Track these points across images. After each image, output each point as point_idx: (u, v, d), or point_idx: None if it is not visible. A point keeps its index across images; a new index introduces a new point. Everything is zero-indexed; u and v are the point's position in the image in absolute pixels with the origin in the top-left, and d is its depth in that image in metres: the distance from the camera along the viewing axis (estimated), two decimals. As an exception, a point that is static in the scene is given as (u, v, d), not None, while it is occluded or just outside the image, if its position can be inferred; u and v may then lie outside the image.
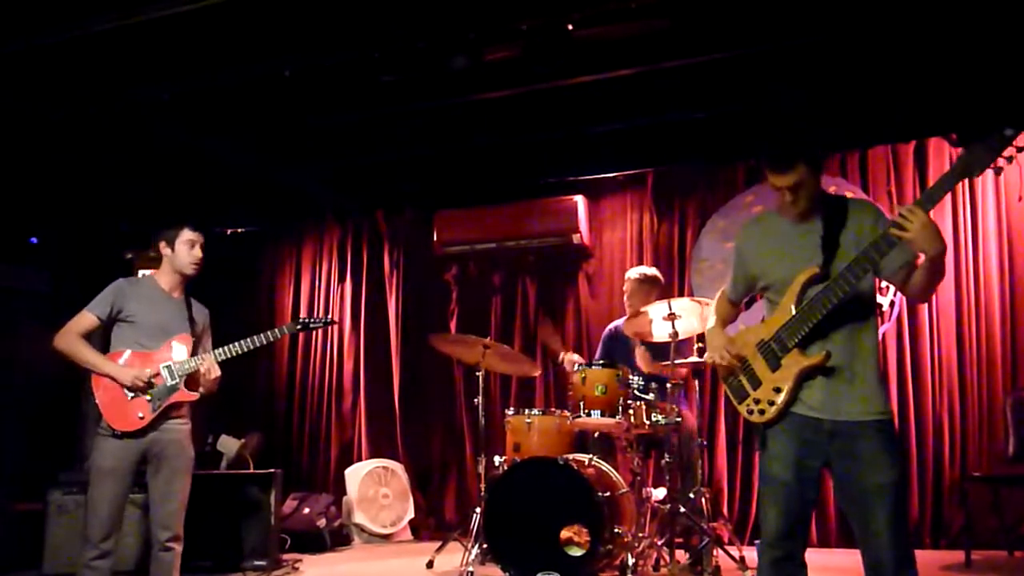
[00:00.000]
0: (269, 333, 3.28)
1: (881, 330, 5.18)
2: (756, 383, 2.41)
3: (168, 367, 3.17)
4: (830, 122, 5.01)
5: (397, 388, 6.33)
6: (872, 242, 2.25)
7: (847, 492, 2.30)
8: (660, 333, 4.31)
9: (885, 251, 2.23)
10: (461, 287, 6.36)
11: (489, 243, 6.07)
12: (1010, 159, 2.16)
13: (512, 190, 6.05)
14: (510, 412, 4.36)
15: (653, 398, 4.12)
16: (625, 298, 4.72)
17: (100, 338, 3.25)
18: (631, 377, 4.14)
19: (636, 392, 4.12)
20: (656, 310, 4.28)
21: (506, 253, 6.12)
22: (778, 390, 2.36)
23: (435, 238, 6.17)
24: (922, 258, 2.24)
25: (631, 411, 4.04)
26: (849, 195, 2.48)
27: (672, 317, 4.08)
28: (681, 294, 5.39)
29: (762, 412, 2.39)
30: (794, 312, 2.34)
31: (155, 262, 3.42)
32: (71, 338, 3.15)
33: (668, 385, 4.18)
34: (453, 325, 6.28)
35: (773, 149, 2.32)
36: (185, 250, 3.27)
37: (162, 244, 3.30)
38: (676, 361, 4.06)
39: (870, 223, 2.33)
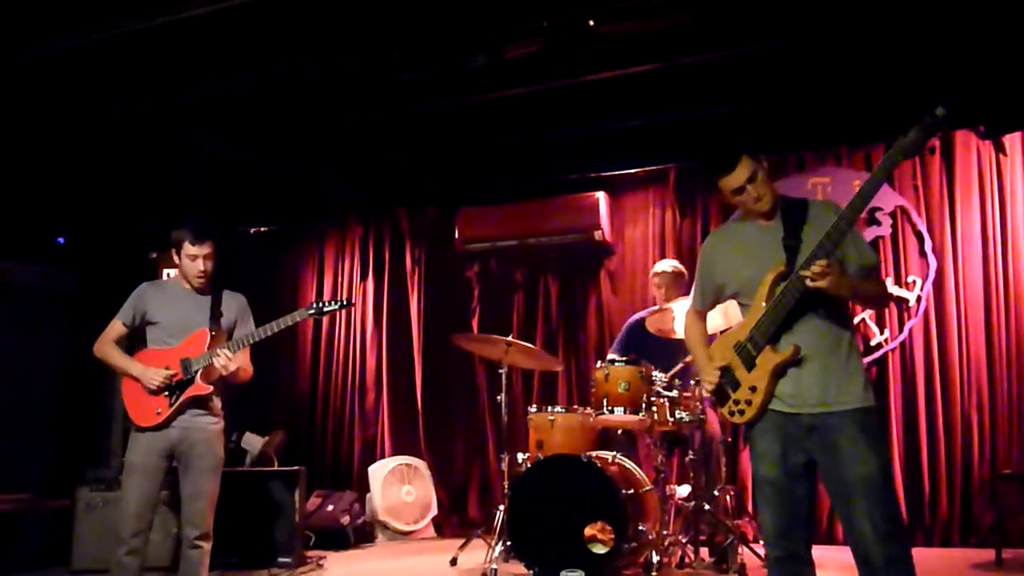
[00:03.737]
0: (284, 319, 3.26)
1: (908, 325, 5.12)
2: (736, 385, 2.41)
3: (185, 362, 3.21)
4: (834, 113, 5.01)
5: (420, 385, 6.34)
6: (825, 234, 2.25)
7: (829, 487, 2.28)
8: (682, 329, 4.28)
9: (838, 242, 2.25)
10: (483, 284, 6.37)
11: (511, 240, 6.07)
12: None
13: (533, 187, 6.05)
14: (533, 409, 4.36)
15: (676, 395, 4.11)
16: (660, 292, 4.69)
17: (138, 340, 3.34)
18: (654, 374, 4.14)
19: (659, 389, 4.11)
20: (679, 307, 4.28)
21: (528, 250, 6.11)
22: (754, 389, 2.36)
23: (457, 235, 6.18)
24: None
25: (654, 408, 4.03)
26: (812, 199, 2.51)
27: None
28: None
29: (742, 413, 2.39)
30: (764, 311, 2.35)
31: (180, 262, 3.46)
32: (104, 345, 3.28)
33: (692, 382, 4.15)
34: (475, 322, 6.29)
35: (709, 152, 2.37)
36: (187, 264, 3.29)
37: (173, 251, 3.33)
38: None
39: (832, 219, 2.31)
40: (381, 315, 6.60)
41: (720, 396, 2.46)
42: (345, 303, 3.36)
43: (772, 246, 2.40)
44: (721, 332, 4.10)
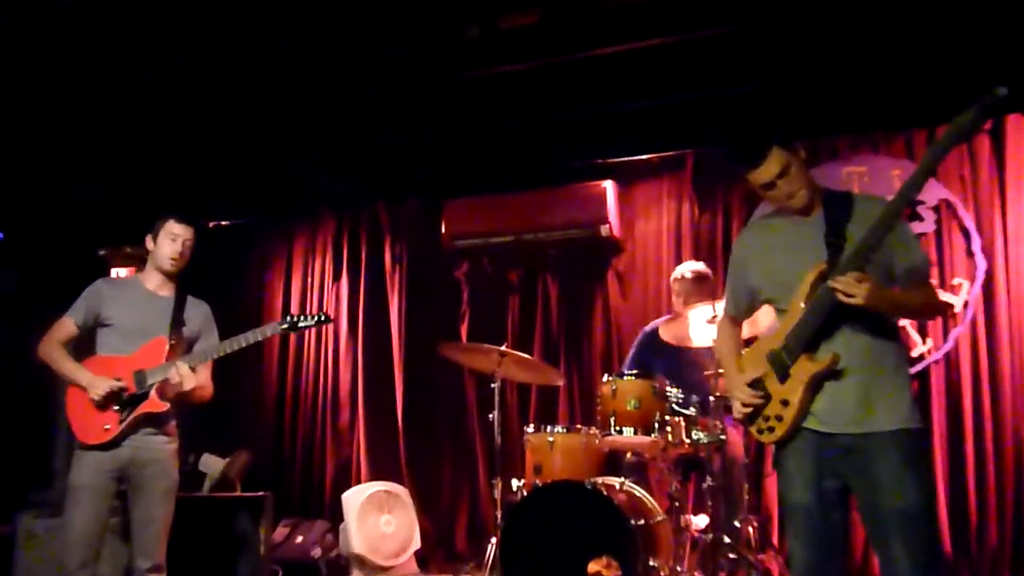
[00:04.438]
0: (252, 334, 3.29)
1: (953, 334, 5.13)
2: (766, 398, 2.45)
3: (139, 374, 3.23)
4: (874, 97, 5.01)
5: (400, 400, 6.37)
6: (863, 237, 2.30)
7: (864, 518, 2.30)
8: (701, 339, 4.32)
9: (876, 244, 2.29)
10: (473, 286, 6.40)
11: (505, 236, 6.09)
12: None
13: (531, 176, 6.08)
14: (530, 429, 4.38)
15: (694, 413, 4.13)
16: (678, 300, 4.71)
17: (84, 349, 3.35)
18: (668, 389, 4.16)
19: (674, 406, 4.13)
20: (697, 313, 4.29)
21: (524, 247, 6.14)
22: (786, 403, 2.38)
23: (443, 231, 6.20)
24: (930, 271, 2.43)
25: (668, 428, 4.04)
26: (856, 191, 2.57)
27: (716, 321, 4.04)
28: None
29: (771, 430, 2.41)
30: (803, 313, 2.39)
31: (130, 260, 3.51)
32: (50, 347, 3.27)
33: (711, 398, 4.16)
34: (464, 329, 6.32)
35: (737, 143, 2.42)
36: (166, 243, 3.34)
37: (149, 237, 3.37)
38: (720, 371, 4.04)
39: (878, 215, 2.35)
40: (357, 321, 6.62)
41: (749, 415, 2.49)
42: (323, 318, 3.38)
43: (812, 243, 2.43)
44: (745, 340, 4.18)
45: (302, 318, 3.37)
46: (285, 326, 3.34)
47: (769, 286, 2.54)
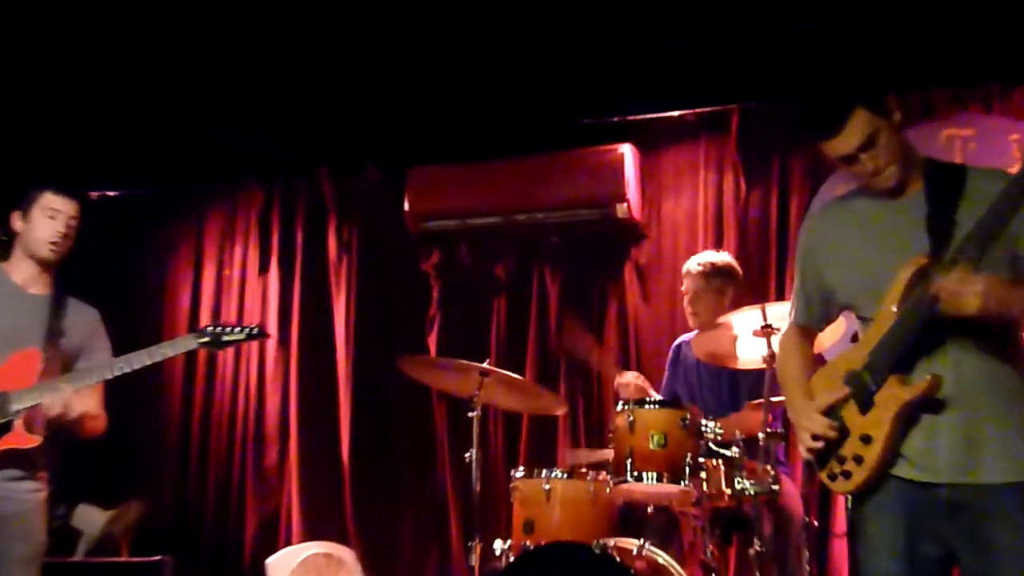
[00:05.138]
0: (159, 349, 3.32)
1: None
2: (842, 434, 2.48)
3: (1, 397, 3.21)
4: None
5: (347, 434, 6.40)
6: (978, 221, 2.31)
7: None
8: (749, 356, 4.35)
9: (997, 230, 2.30)
10: (446, 282, 6.42)
11: (490, 217, 6.13)
12: None
13: (525, 137, 6.11)
14: (519, 473, 4.39)
15: (737, 455, 4.12)
16: (685, 302, 4.81)
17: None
18: (704, 422, 4.15)
19: (712, 445, 4.13)
20: (742, 322, 4.29)
21: (515, 232, 6.18)
22: (868, 440, 2.40)
23: (408, 208, 6.23)
24: None
25: (704, 474, 4.06)
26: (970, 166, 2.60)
27: (768, 331, 4.09)
28: (781, 296, 5.36)
29: (847, 476, 2.45)
30: (895, 319, 2.41)
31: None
32: None
33: (761, 436, 4.13)
34: (433, 339, 6.35)
35: (810, 105, 2.47)
36: (42, 222, 3.34)
37: (16, 216, 3.37)
38: (774, 399, 4.04)
39: (999, 193, 2.36)
40: (290, 328, 6.64)
41: (820, 453, 2.53)
42: (255, 332, 3.41)
43: (909, 230, 2.47)
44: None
45: (227, 331, 3.38)
46: (205, 340, 3.36)
47: (849, 287, 2.59)
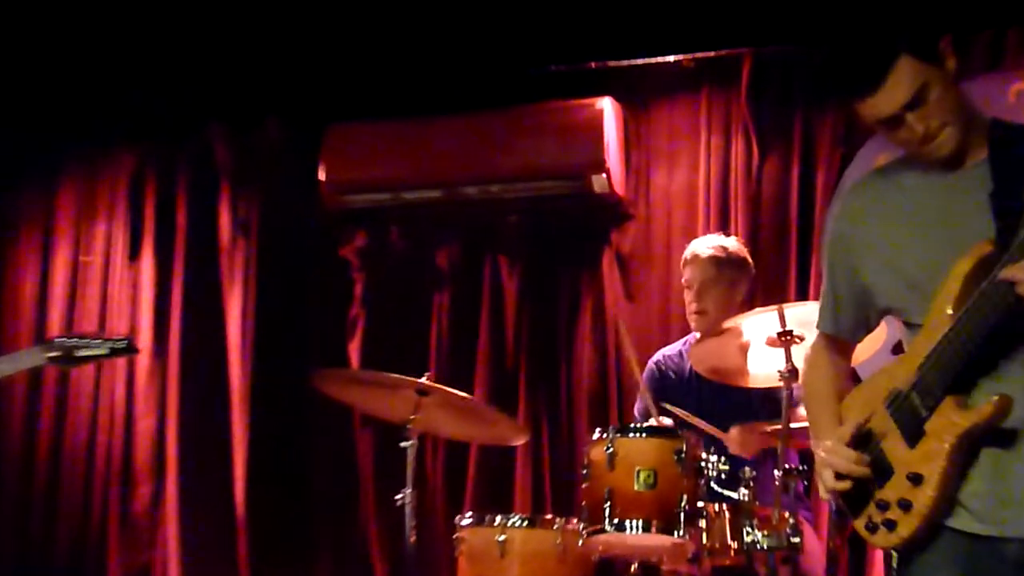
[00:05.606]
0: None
1: None
2: (883, 472, 2.48)
3: None
4: None
5: (242, 470, 6.36)
6: None
7: None
8: (763, 371, 4.37)
9: None
10: (373, 274, 6.43)
11: (430, 189, 6.16)
12: None
13: (476, 88, 6.16)
14: (466, 521, 4.42)
15: (746, 498, 4.13)
16: (688, 298, 4.82)
17: None
18: (705, 456, 4.16)
19: (714, 485, 4.15)
20: (755, 327, 4.30)
21: (463, 209, 6.22)
22: (917, 479, 2.39)
23: (324, 178, 6.23)
24: None
25: (703, 522, 4.06)
26: None
27: (787, 340, 4.12)
28: (803, 296, 5.42)
29: (891, 526, 2.44)
30: (951, 325, 2.39)
31: None
32: None
33: (776, 472, 4.16)
34: (355, 346, 6.36)
35: (840, 52, 2.47)
36: None
37: None
38: (794, 425, 4.08)
39: None
40: (168, 333, 6.60)
41: (852, 496, 2.52)
42: (122, 346, 3.48)
43: (969, 211, 2.45)
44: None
45: (85, 343, 3.39)
46: (55, 355, 3.35)
47: (892, 285, 2.59)
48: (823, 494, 2.60)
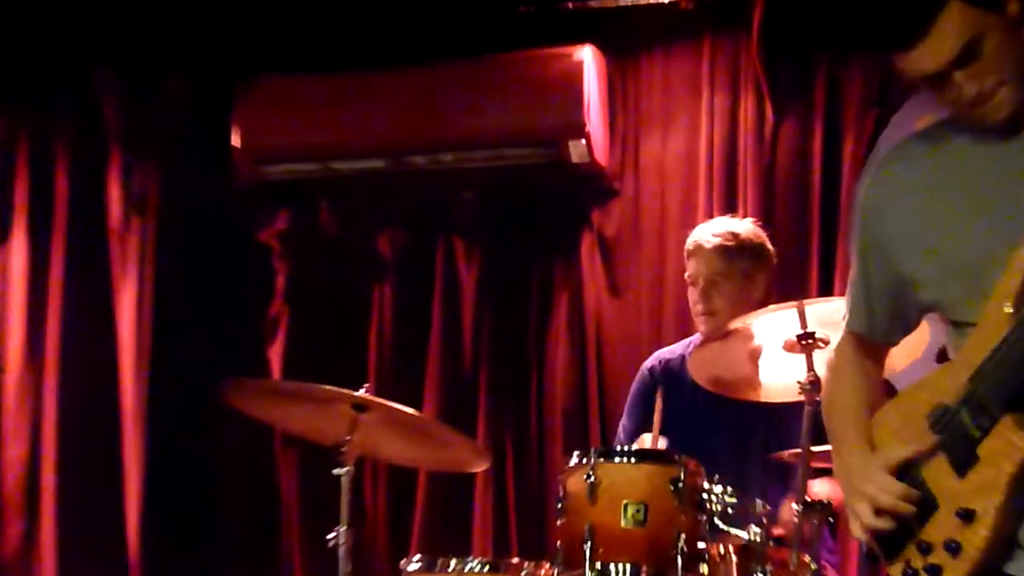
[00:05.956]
0: None
1: None
2: (926, 507, 2.49)
3: None
4: None
5: (136, 504, 6.32)
6: None
7: None
8: (777, 382, 4.36)
9: None
10: (300, 262, 6.46)
11: (369, 159, 6.18)
12: None
13: (427, 33, 6.20)
14: (413, 566, 4.37)
15: (760, 537, 4.08)
16: (692, 296, 4.80)
17: None
18: (708, 487, 4.08)
19: (718, 521, 4.06)
20: (768, 328, 4.31)
21: (410, 183, 6.28)
22: (968, 516, 2.39)
23: (239, 144, 6.23)
24: None
25: (705, 567, 4.00)
26: None
27: (809, 343, 4.11)
28: (828, 290, 5.47)
29: (935, 573, 2.44)
30: (1012, 326, 2.39)
31: None
32: None
33: (795, 507, 4.15)
34: (278, 352, 6.40)
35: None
36: None
37: None
38: (817, 449, 4.07)
39: None
40: (43, 334, 6.54)
41: (887, 536, 2.53)
42: None
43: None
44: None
45: None
46: None
47: (937, 275, 2.59)
48: (856, 532, 2.58)
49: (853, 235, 2.78)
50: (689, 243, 4.83)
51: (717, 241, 4.73)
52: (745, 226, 4.88)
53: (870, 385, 2.78)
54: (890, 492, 2.47)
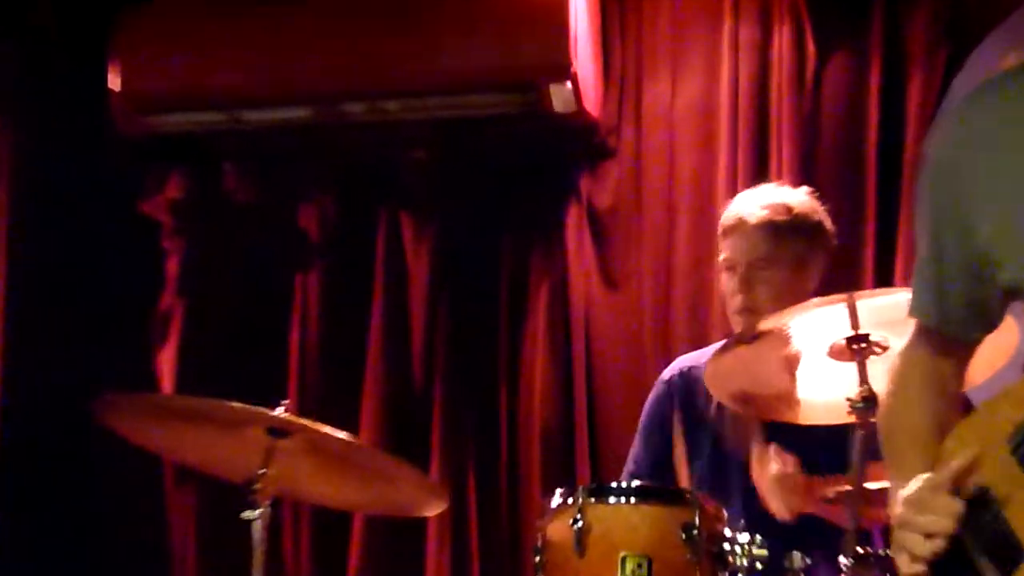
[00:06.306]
0: None
1: None
2: (1007, 551, 2.49)
3: None
4: None
5: None
6: None
7: None
8: (821, 398, 4.34)
9: None
10: (196, 240, 6.47)
11: (290, 106, 6.17)
12: None
13: None
14: None
15: None
16: (729, 286, 4.74)
17: None
18: (730, 535, 4.05)
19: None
20: (808, 328, 4.25)
21: (341, 139, 6.33)
22: None
23: (118, 87, 6.18)
24: None
25: None
26: None
27: (862, 349, 4.05)
28: (886, 279, 5.49)
29: None
30: None
31: None
32: None
33: (844, 561, 4.02)
34: (170, 359, 6.32)
35: None
36: None
37: None
38: (873, 486, 4.01)
39: None
40: None
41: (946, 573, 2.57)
42: None
43: None
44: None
45: None
46: None
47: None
48: (905, 569, 2.51)
49: (921, 203, 2.71)
50: (728, 217, 4.76)
51: (765, 215, 4.63)
52: (799, 197, 4.77)
53: (944, 396, 2.72)
54: (940, 512, 2.44)
